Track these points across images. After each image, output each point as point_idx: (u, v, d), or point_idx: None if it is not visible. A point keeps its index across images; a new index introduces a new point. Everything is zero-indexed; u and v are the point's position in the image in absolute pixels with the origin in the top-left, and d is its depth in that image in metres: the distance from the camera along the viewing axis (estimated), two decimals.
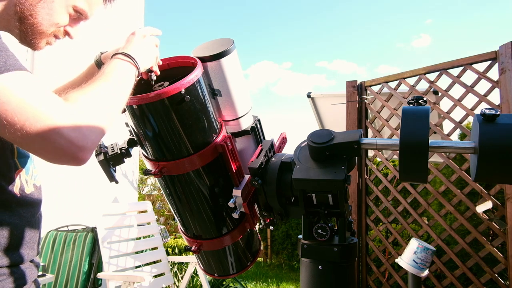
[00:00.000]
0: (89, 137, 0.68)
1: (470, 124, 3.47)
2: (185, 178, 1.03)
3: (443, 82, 3.29)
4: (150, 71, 0.96)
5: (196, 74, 0.93)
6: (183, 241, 4.56)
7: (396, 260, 1.70)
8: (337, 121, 3.84)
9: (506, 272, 2.47)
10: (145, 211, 3.41)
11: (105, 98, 0.75)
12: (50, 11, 0.82)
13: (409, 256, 1.62)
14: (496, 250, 2.49)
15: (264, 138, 1.19)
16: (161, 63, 1.01)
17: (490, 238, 3.02)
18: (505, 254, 2.44)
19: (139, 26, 4.98)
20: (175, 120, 0.93)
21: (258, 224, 1.20)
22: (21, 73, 0.65)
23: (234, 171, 1.05)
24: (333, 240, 0.92)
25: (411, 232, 2.95)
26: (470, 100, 2.69)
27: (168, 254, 4.30)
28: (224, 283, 4.23)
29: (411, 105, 0.82)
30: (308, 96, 4.22)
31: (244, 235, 1.18)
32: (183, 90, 0.90)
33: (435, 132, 2.88)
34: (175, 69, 1.07)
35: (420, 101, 0.82)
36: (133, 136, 1.05)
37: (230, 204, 1.02)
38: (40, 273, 2.42)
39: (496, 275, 2.49)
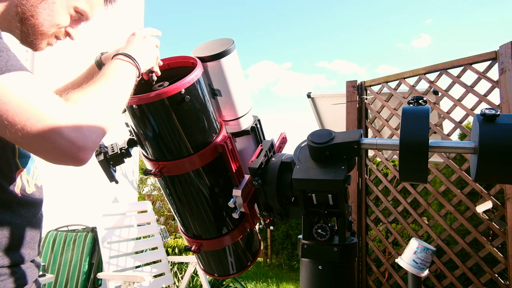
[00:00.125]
0: (90, 137, 0.68)
1: (470, 124, 3.47)
2: (185, 178, 1.03)
3: (443, 82, 3.29)
4: (151, 71, 0.97)
5: (196, 74, 0.94)
6: (183, 241, 4.56)
7: (396, 260, 1.70)
8: (337, 121, 3.85)
9: (506, 272, 2.47)
10: (145, 211, 3.41)
11: (106, 99, 0.75)
12: (51, 12, 0.82)
13: (409, 256, 1.62)
14: (496, 250, 2.49)
15: (264, 138, 1.19)
16: (161, 63, 1.01)
17: (490, 238, 3.02)
18: (505, 254, 2.44)
19: (139, 26, 4.98)
20: (175, 120, 0.93)
21: (258, 224, 1.20)
22: (22, 73, 0.65)
23: (234, 171, 1.05)
24: (333, 240, 0.93)
25: (411, 232, 2.95)
26: (470, 100, 2.69)
27: (168, 254, 4.30)
28: (224, 283, 4.23)
29: (411, 105, 0.82)
30: (308, 96, 4.22)
31: (244, 235, 1.18)
32: (183, 90, 0.90)
33: (435, 132, 2.88)
34: (175, 69, 1.07)
35: (420, 101, 0.82)
36: (133, 136, 1.05)
37: (230, 204, 1.02)
38: (40, 273, 2.43)
39: (496, 275, 2.49)
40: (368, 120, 3.38)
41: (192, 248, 1.14)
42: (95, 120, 0.70)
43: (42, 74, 3.25)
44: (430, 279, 2.93)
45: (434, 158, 3.64)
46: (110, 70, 0.80)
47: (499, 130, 0.71)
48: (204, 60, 1.00)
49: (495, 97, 2.64)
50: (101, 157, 1.03)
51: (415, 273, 1.60)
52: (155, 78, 0.98)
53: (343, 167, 0.87)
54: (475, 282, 2.57)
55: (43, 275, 2.46)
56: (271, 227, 1.14)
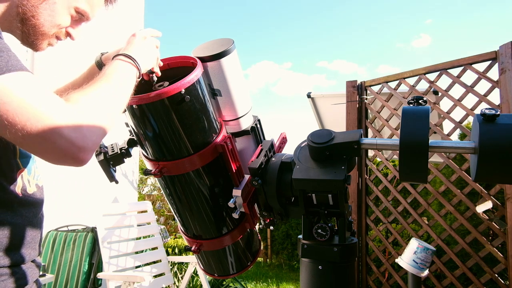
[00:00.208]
0: (90, 138, 0.68)
1: (470, 124, 3.47)
2: (185, 178, 1.03)
3: (443, 82, 3.29)
4: (151, 72, 0.97)
5: (196, 74, 0.94)
6: (183, 241, 4.56)
7: (396, 260, 1.70)
8: (337, 121, 3.85)
9: (506, 272, 2.47)
10: (145, 211, 3.41)
11: (106, 99, 0.75)
12: (52, 12, 0.82)
13: (409, 256, 1.62)
14: (496, 250, 2.49)
15: (264, 138, 1.19)
16: (161, 64, 1.01)
17: (490, 238, 3.02)
18: (505, 254, 2.44)
19: (139, 26, 4.99)
20: (175, 120, 0.93)
21: (258, 224, 1.20)
22: (23, 73, 0.65)
23: (234, 171, 1.05)
24: (333, 240, 0.93)
25: (411, 232, 2.95)
26: (470, 100, 2.69)
27: (168, 254, 4.30)
28: (224, 283, 4.24)
29: (411, 105, 0.82)
30: (308, 96, 4.22)
31: (244, 235, 1.18)
32: (183, 90, 0.90)
33: (435, 132, 2.88)
34: (175, 69, 1.07)
35: (420, 101, 0.82)
36: (133, 136, 1.05)
37: (230, 204, 1.02)
38: (41, 273, 2.43)
39: (496, 275, 2.49)
40: (368, 120, 3.38)
41: (192, 248, 1.14)
42: (96, 120, 0.70)
43: (42, 74, 3.25)
44: (430, 279, 2.93)
45: (434, 158, 3.64)
46: (110, 71, 0.80)
47: (499, 130, 0.71)
48: (204, 60, 1.00)
49: (495, 97, 2.65)
50: (101, 157, 1.03)
51: (415, 273, 1.60)
52: (155, 78, 0.98)
53: (343, 167, 0.87)
54: (475, 282, 2.57)
55: (43, 275, 2.46)
56: (271, 227, 1.14)
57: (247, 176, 1.09)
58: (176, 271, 4.13)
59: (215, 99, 1.07)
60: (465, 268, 2.63)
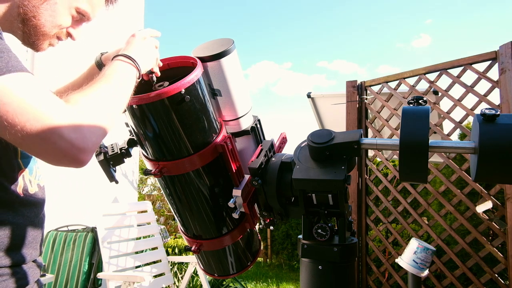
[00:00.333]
0: (90, 138, 0.68)
1: (470, 124, 3.47)
2: (185, 178, 1.03)
3: (443, 82, 3.29)
4: (151, 72, 0.97)
5: (196, 74, 0.94)
6: (183, 241, 4.56)
7: (396, 260, 1.70)
8: (337, 121, 3.85)
9: (506, 272, 2.47)
10: (145, 211, 3.41)
11: (106, 100, 0.75)
12: (53, 12, 0.82)
13: (409, 256, 1.62)
14: (496, 250, 2.49)
15: (264, 138, 1.19)
16: (161, 64, 1.01)
17: (490, 238, 3.02)
18: (505, 254, 2.44)
19: (139, 26, 4.99)
20: (175, 120, 0.93)
21: (258, 224, 1.20)
22: (23, 74, 0.65)
23: (234, 171, 1.05)
24: (333, 240, 0.93)
25: (411, 232, 2.95)
26: (470, 100, 2.69)
27: (168, 254, 4.30)
28: (224, 283, 4.24)
29: (411, 105, 0.82)
30: (308, 96, 4.22)
31: (244, 235, 1.18)
32: (183, 90, 0.90)
33: (435, 132, 2.88)
34: (175, 69, 1.07)
35: (420, 101, 0.82)
36: (133, 136, 1.05)
37: (230, 204, 1.02)
38: (41, 273, 2.43)
39: (496, 275, 2.49)
40: (368, 120, 3.39)
41: (192, 248, 1.14)
42: (96, 121, 0.70)
43: (42, 74, 3.25)
44: (430, 279, 2.93)
45: (434, 158, 3.64)
46: (110, 71, 0.80)
47: (499, 130, 0.71)
48: (204, 60, 1.00)
49: (495, 97, 2.65)
50: (101, 157, 1.03)
51: (415, 273, 1.60)
52: (155, 79, 0.98)
53: (343, 167, 0.87)
54: (475, 282, 2.57)
55: (43, 275, 2.46)
56: (271, 227, 1.14)
57: (247, 176, 1.09)
58: (176, 271, 4.13)
59: (215, 99, 1.07)
60: (465, 268, 2.63)
